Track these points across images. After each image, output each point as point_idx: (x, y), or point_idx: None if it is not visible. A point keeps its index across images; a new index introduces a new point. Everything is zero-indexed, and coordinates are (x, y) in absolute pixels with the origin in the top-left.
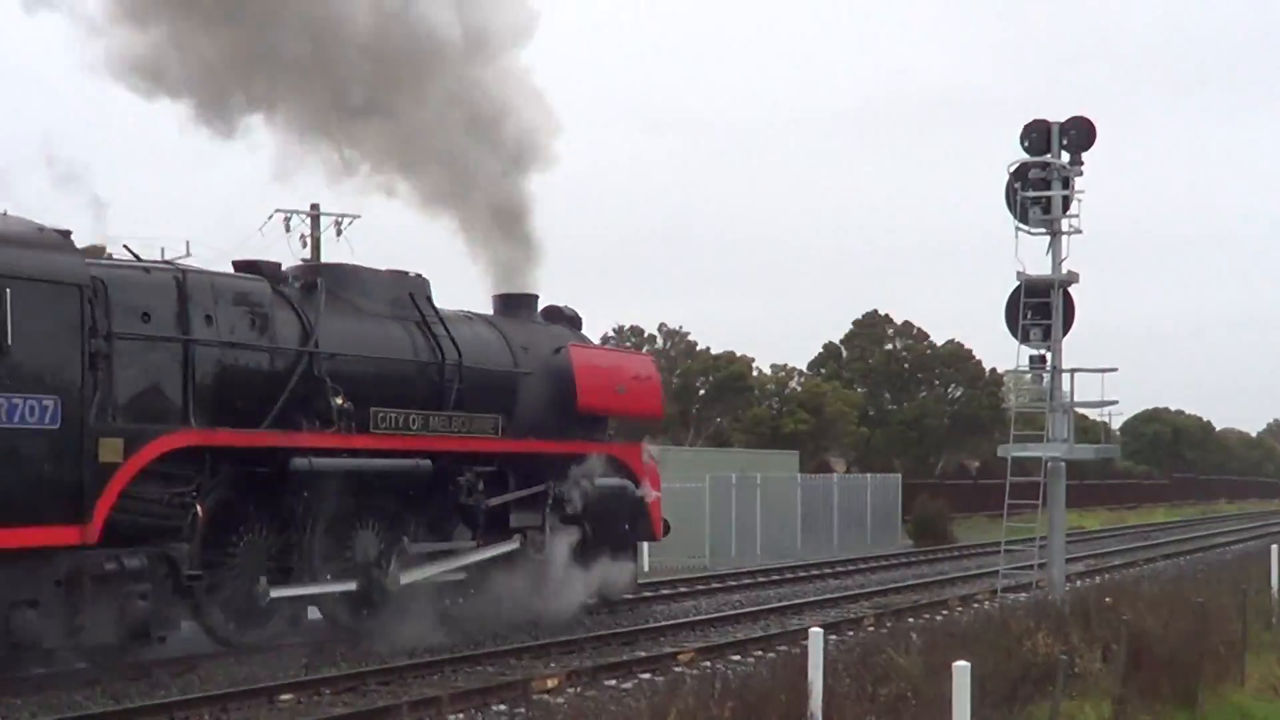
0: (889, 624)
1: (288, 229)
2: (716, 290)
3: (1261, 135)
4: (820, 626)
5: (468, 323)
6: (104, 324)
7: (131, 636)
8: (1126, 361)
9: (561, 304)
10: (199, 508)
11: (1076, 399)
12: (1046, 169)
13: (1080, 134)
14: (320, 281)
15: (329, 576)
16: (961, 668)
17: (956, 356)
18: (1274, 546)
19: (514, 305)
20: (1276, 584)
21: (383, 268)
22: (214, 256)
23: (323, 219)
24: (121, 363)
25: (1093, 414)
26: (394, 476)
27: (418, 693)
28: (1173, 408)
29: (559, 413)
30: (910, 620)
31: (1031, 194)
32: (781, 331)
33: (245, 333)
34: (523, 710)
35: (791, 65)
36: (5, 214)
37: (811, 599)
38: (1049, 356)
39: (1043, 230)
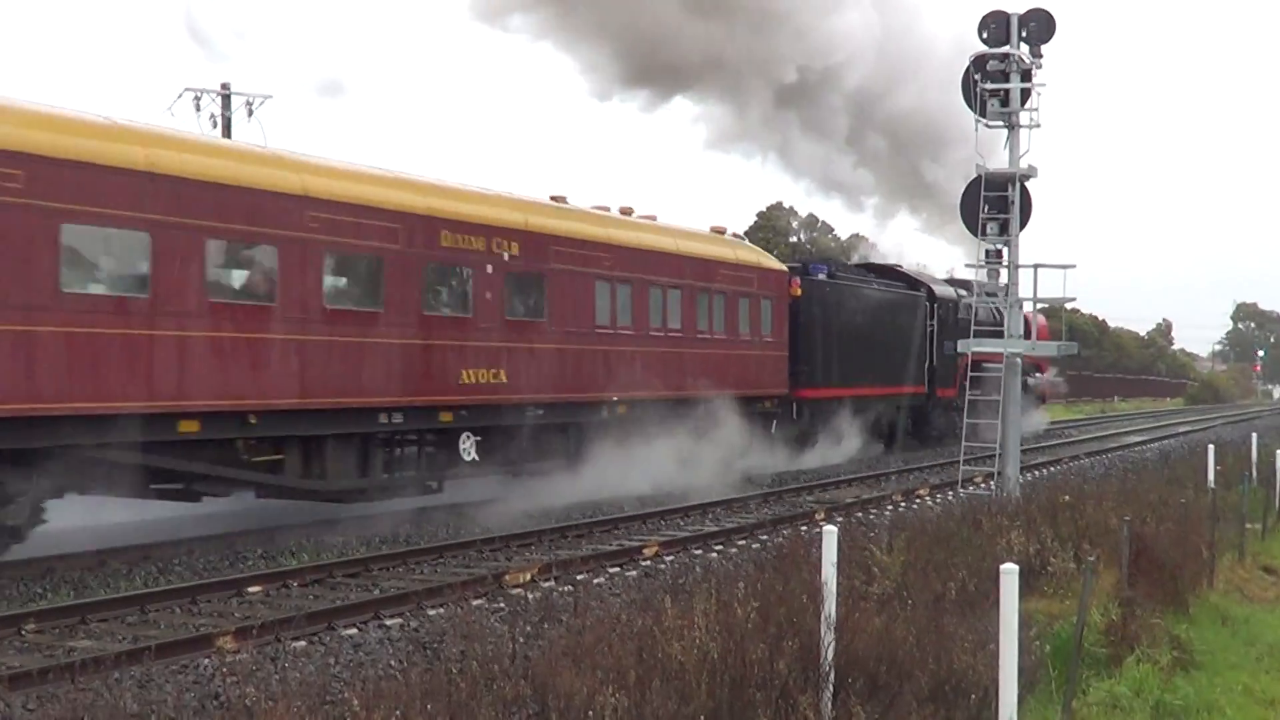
0: (839, 519)
1: (198, 109)
2: None
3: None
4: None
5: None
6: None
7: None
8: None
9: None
10: None
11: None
12: (1005, 61)
13: (1040, 26)
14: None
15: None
16: (1010, 570)
17: (855, 250)
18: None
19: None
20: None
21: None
22: None
23: (234, 99)
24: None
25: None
26: None
27: (387, 586)
28: (1068, 306)
29: None
30: (859, 516)
31: (990, 86)
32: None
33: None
34: (501, 604)
35: None
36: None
37: (751, 494)
38: (1005, 252)
39: (1001, 123)
